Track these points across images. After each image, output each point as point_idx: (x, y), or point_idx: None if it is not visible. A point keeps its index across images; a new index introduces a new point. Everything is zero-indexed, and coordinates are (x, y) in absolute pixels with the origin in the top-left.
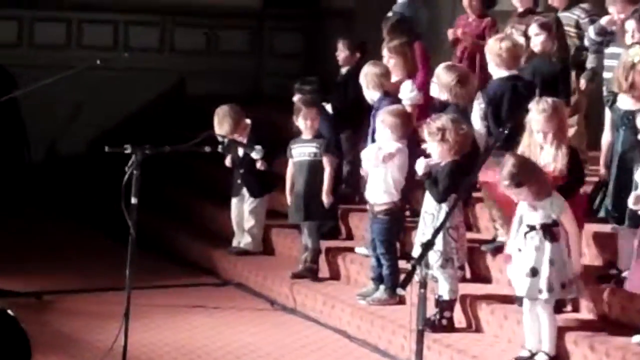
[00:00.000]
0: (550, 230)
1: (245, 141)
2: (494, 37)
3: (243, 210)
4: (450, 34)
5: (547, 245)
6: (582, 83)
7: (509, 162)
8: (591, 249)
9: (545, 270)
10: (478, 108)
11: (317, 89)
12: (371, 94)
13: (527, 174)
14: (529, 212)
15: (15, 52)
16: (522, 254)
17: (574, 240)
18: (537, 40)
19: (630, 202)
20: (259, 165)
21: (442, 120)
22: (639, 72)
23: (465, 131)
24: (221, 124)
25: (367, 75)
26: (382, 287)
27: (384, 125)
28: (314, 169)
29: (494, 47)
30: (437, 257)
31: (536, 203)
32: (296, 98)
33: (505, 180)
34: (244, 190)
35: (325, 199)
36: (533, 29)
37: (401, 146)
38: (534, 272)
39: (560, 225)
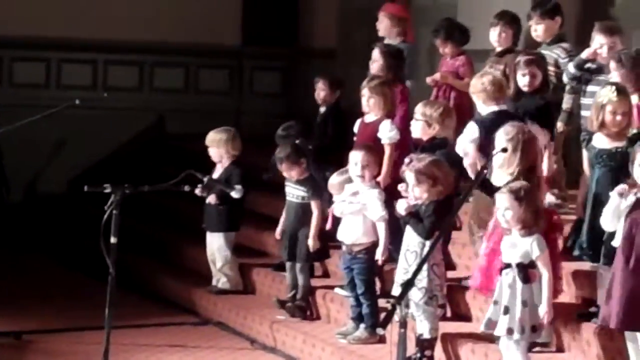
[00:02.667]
0: (525, 271)
1: (225, 167)
2: (475, 76)
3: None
4: (429, 80)
5: (520, 285)
6: (560, 126)
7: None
8: (571, 286)
9: (517, 311)
10: (471, 135)
11: (297, 132)
12: None
13: (529, 196)
14: (508, 249)
15: None
16: (495, 291)
17: (547, 286)
18: (525, 81)
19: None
20: (211, 199)
21: (430, 167)
22: (609, 112)
23: (452, 174)
24: (214, 141)
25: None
26: (362, 326)
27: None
28: (301, 211)
29: (477, 85)
30: (422, 295)
31: (518, 239)
32: (279, 150)
33: (511, 192)
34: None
35: (312, 242)
36: (521, 67)
37: (378, 190)
38: (506, 310)
39: (536, 268)
